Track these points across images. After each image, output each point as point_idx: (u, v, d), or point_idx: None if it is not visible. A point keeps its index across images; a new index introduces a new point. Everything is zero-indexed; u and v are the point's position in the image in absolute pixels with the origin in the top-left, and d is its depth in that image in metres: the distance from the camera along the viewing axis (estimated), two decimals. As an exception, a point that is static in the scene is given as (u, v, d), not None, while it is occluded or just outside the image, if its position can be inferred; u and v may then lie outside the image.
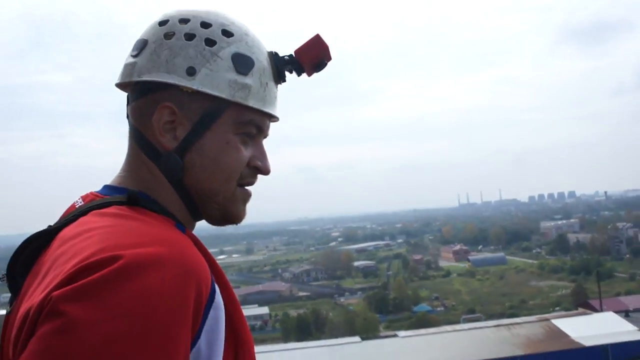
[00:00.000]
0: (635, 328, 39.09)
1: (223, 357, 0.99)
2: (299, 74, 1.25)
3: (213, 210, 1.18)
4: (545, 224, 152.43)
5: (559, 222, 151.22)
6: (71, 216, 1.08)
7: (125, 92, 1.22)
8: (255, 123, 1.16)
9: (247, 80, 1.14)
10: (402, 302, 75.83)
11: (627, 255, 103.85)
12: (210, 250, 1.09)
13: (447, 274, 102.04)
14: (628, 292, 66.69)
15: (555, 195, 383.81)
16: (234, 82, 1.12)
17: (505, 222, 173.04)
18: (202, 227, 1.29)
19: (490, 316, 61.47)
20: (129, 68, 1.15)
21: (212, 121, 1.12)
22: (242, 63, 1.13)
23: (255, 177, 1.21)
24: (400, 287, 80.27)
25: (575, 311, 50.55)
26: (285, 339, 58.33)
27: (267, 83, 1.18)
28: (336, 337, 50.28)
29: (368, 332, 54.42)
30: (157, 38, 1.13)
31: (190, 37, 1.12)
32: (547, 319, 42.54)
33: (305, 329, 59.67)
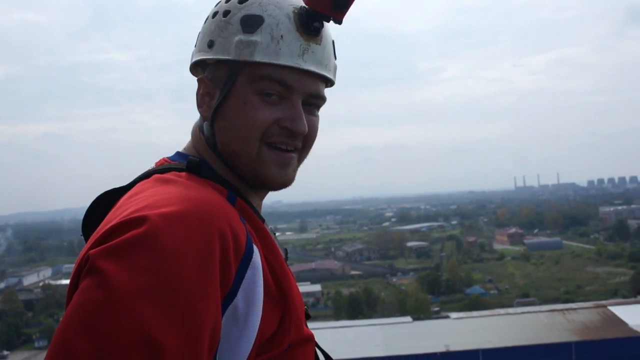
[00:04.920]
0: (697, 318, 38.05)
1: (267, 319, 1.03)
2: (326, 19, 1.21)
3: (246, 173, 1.21)
4: (605, 209, 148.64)
5: (619, 208, 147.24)
6: (137, 178, 1.18)
7: None
8: (272, 78, 1.16)
9: (254, 37, 1.16)
10: (455, 284, 75.45)
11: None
12: (265, 227, 1.18)
13: (501, 257, 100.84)
14: (690, 281, 64.89)
15: (616, 180, 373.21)
16: (239, 41, 1.16)
17: (562, 206, 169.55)
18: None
19: (544, 301, 60.68)
20: (192, 54, 1.30)
21: (230, 85, 1.18)
22: (249, 23, 1.17)
23: (289, 138, 1.20)
24: (453, 269, 79.72)
25: (634, 299, 49.47)
26: (337, 316, 58.85)
27: (281, 36, 1.17)
28: (387, 316, 50.48)
29: (419, 313, 54.45)
30: (207, 25, 1.26)
31: (214, 14, 1.23)
32: (604, 306, 41.70)
33: (357, 308, 59.98)
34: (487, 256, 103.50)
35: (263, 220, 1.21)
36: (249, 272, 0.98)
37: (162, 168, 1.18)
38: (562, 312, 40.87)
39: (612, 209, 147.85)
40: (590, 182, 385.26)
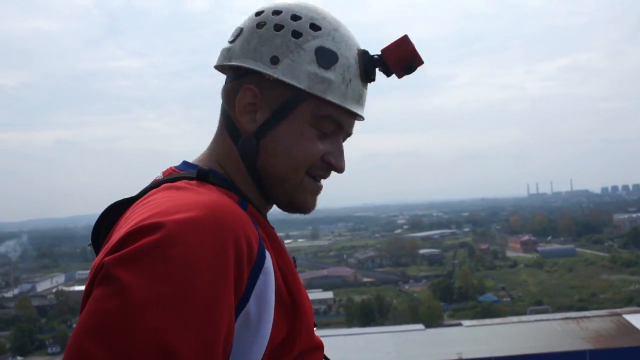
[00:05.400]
0: None
1: (278, 325, 1.03)
2: (387, 74, 1.26)
3: (281, 196, 1.23)
4: (619, 217, 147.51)
5: (634, 215, 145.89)
6: (147, 188, 1.16)
7: (224, 75, 1.30)
8: (333, 118, 1.19)
9: (329, 74, 1.16)
10: (467, 291, 75.12)
11: None
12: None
13: (514, 264, 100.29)
14: None
15: (630, 187, 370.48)
16: (314, 74, 1.15)
17: (576, 214, 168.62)
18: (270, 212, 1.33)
19: (558, 308, 60.20)
20: (225, 53, 1.24)
21: (289, 110, 1.16)
22: (325, 57, 1.16)
23: (327, 172, 1.25)
24: (466, 276, 79.41)
25: (648, 307, 49.10)
26: (349, 323, 58.75)
27: (350, 80, 1.19)
28: (400, 324, 50.30)
29: (432, 320, 54.23)
30: (250, 27, 1.20)
31: (279, 27, 1.17)
32: (619, 314, 41.40)
33: (369, 315, 59.82)
34: (500, 263, 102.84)
35: (272, 228, 1.21)
36: (261, 277, 0.98)
37: (172, 177, 1.16)
38: (575, 320, 40.59)
39: (626, 216, 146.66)
40: (604, 189, 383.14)
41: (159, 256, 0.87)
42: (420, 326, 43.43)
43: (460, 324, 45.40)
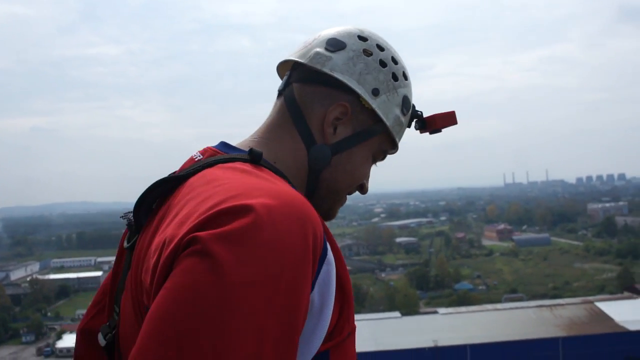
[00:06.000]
0: (682, 314, 38.41)
1: (333, 310, 1.05)
2: (421, 130, 1.44)
3: (324, 205, 1.32)
4: (593, 206, 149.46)
5: (607, 205, 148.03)
6: (198, 166, 1.17)
7: (283, 68, 1.40)
8: (388, 154, 1.39)
9: (404, 119, 1.36)
10: (444, 280, 75.80)
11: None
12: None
13: (490, 253, 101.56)
14: (676, 277, 65.53)
15: (604, 177, 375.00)
16: (398, 117, 1.33)
17: (551, 203, 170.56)
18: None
19: (532, 297, 61.06)
20: (321, 57, 1.29)
21: (368, 137, 1.30)
22: (406, 105, 1.35)
23: (353, 191, 1.39)
24: (442, 265, 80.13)
25: (620, 295, 49.90)
26: (326, 311, 58.86)
27: (406, 125, 1.40)
28: (376, 311, 50.64)
29: (408, 308, 54.56)
30: (356, 49, 1.30)
31: (383, 64, 1.31)
32: (591, 302, 42.03)
33: (345, 303, 59.99)
34: (476, 252, 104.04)
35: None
36: (324, 267, 1.01)
37: (227, 158, 1.19)
38: (549, 308, 41.09)
39: (600, 205, 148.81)
40: (579, 179, 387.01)
41: (255, 239, 0.89)
42: (397, 314, 43.77)
43: (436, 312, 45.76)
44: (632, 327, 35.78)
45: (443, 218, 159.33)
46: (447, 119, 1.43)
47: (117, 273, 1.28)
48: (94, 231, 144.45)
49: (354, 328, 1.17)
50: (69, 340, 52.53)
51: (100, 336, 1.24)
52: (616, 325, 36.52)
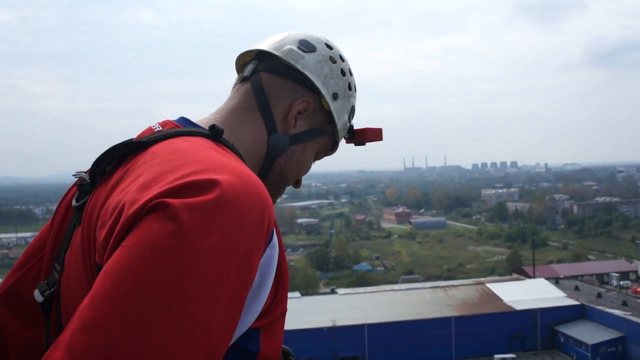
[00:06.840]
0: (564, 294, 40.71)
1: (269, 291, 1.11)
2: (347, 140, 1.62)
3: (271, 189, 1.39)
4: (487, 192, 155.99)
5: (500, 191, 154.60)
6: (160, 136, 1.20)
7: (247, 55, 1.49)
8: (326, 154, 1.54)
9: (347, 127, 1.53)
10: (343, 261, 76.89)
11: (562, 226, 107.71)
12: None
13: (389, 235, 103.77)
14: (560, 261, 69.31)
15: (498, 165, 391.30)
16: (345, 123, 1.50)
17: (448, 188, 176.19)
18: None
19: (428, 278, 62.84)
20: (295, 55, 1.42)
21: (319, 135, 1.44)
22: (353, 114, 1.53)
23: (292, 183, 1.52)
24: (342, 246, 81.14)
25: (509, 276, 52.14)
26: (226, 291, 58.46)
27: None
28: (276, 291, 50.61)
29: (308, 288, 55.17)
30: (324, 54, 1.45)
31: (343, 73, 1.47)
32: (482, 283, 43.81)
33: (245, 283, 59.83)
34: (375, 234, 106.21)
35: None
36: (268, 250, 1.05)
37: (188, 131, 1.23)
38: (443, 289, 42.58)
39: (493, 191, 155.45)
40: (475, 166, 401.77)
41: (218, 210, 0.93)
42: (297, 294, 43.97)
43: (335, 292, 46.46)
44: (518, 307, 37.70)
45: (344, 200, 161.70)
46: (375, 134, 1.62)
47: (59, 230, 1.29)
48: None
49: (285, 310, 1.23)
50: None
51: (37, 293, 1.22)
52: (504, 304, 38.34)
